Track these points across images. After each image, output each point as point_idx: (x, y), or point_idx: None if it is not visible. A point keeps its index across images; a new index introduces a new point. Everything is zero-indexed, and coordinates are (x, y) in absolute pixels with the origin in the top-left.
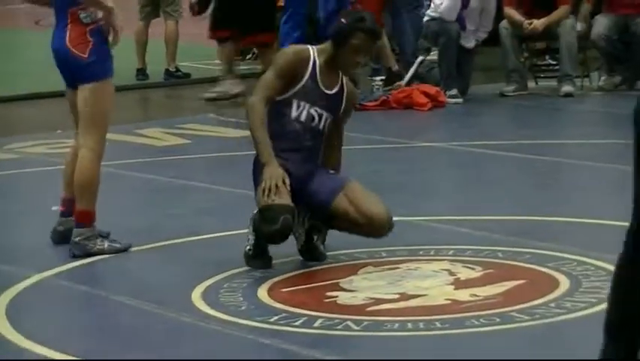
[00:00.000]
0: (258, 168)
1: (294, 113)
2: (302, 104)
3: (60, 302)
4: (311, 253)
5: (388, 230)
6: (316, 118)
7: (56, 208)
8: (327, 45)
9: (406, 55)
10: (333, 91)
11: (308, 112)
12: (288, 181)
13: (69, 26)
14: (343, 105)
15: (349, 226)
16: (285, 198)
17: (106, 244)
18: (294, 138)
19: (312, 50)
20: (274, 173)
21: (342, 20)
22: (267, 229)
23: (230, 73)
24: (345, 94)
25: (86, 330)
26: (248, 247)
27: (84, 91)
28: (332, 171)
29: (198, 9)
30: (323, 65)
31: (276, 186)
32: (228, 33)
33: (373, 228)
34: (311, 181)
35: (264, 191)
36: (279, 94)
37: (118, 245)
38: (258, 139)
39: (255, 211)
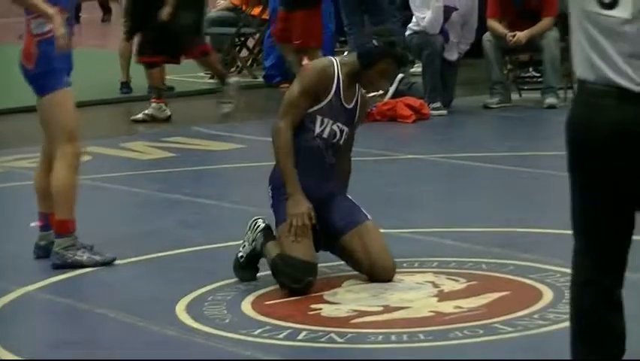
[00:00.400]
0: (277, 184)
1: (317, 130)
2: (325, 120)
3: (43, 316)
4: (244, 270)
5: (389, 278)
6: (338, 134)
7: (35, 224)
8: (351, 59)
9: None
10: (352, 105)
11: (331, 128)
12: (313, 215)
13: (25, 36)
14: (357, 115)
15: (350, 263)
16: (308, 249)
17: (85, 256)
18: (317, 155)
19: (336, 65)
20: (300, 210)
21: (374, 42)
22: (288, 284)
23: (160, 97)
24: (359, 105)
25: (70, 343)
26: (240, 254)
27: (40, 104)
28: (349, 197)
29: (128, 36)
30: (345, 79)
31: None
32: (158, 59)
33: (374, 276)
34: (330, 205)
35: (290, 229)
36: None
37: (98, 258)
38: (285, 169)
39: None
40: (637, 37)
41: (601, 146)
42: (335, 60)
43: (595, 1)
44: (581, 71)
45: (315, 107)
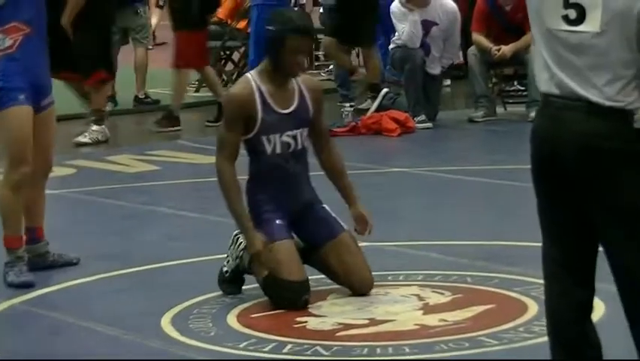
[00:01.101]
0: (252, 196)
1: (268, 149)
2: (271, 137)
3: (28, 329)
4: (229, 284)
5: (367, 294)
6: (292, 143)
7: None
8: (264, 63)
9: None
10: (294, 105)
11: (281, 142)
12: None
13: None
14: (311, 107)
15: (329, 276)
16: (298, 267)
17: (11, 277)
18: (281, 173)
19: (253, 82)
20: (254, 249)
21: (271, 27)
22: (285, 305)
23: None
24: (307, 97)
25: (55, 357)
26: (225, 269)
27: None
28: (324, 206)
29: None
30: (270, 87)
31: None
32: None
33: (352, 289)
34: (306, 218)
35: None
36: (244, 135)
37: (25, 278)
38: (232, 208)
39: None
40: (607, 50)
41: (566, 159)
42: (250, 76)
43: (561, 20)
44: (546, 86)
45: (253, 132)
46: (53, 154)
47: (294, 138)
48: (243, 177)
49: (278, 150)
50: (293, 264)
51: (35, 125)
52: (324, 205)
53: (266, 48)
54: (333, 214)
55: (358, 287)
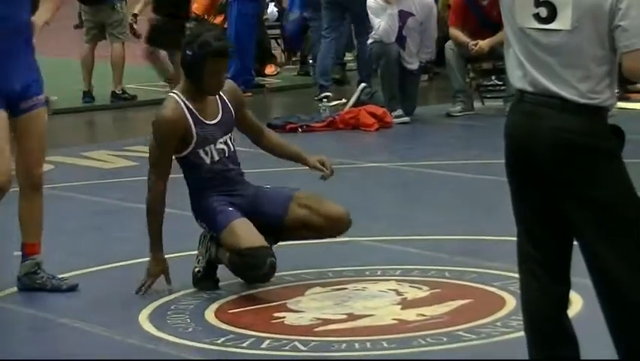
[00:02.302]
0: (203, 203)
1: (207, 160)
2: (207, 148)
3: (6, 326)
4: (203, 282)
5: (348, 226)
6: (225, 148)
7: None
8: (186, 82)
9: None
10: (220, 113)
11: (216, 149)
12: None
13: None
14: (232, 109)
15: (306, 233)
16: (255, 235)
17: None
18: (222, 177)
19: (180, 101)
20: (155, 270)
21: (188, 52)
22: (254, 274)
23: None
24: (227, 101)
25: (33, 353)
26: (197, 269)
27: None
28: (268, 186)
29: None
30: (196, 103)
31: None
32: None
33: (333, 227)
34: (258, 201)
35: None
36: (177, 153)
37: None
38: (149, 227)
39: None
40: (579, 47)
41: (540, 156)
42: (175, 96)
43: (532, 18)
44: (519, 83)
45: (190, 148)
46: (39, 163)
47: (226, 143)
48: None
49: (216, 158)
50: (250, 233)
51: (16, 130)
52: (267, 185)
53: (185, 70)
54: (277, 186)
55: (339, 224)
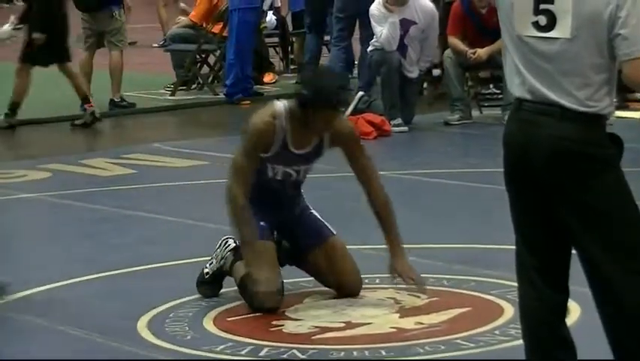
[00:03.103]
0: None
1: (269, 174)
2: (275, 166)
3: (3, 333)
4: (208, 286)
5: (356, 294)
6: (293, 174)
7: None
8: (297, 105)
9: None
10: (309, 148)
11: (284, 171)
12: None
13: None
14: (325, 149)
15: (318, 279)
16: (274, 272)
17: None
18: (273, 194)
19: (283, 116)
20: (259, 280)
21: (304, 92)
22: (257, 305)
23: None
24: (325, 141)
25: (31, 360)
26: (207, 271)
27: None
28: (313, 211)
29: None
30: (294, 128)
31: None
32: None
33: (342, 291)
34: (296, 222)
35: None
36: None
37: None
38: (241, 238)
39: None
40: (578, 55)
41: (538, 164)
42: (283, 109)
43: (531, 26)
44: (518, 91)
45: (262, 156)
46: None
47: (297, 171)
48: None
49: (278, 177)
50: (268, 266)
51: None
52: (313, 210)
53: (297, 102)
54: (322, 219)
55: (348, 289)
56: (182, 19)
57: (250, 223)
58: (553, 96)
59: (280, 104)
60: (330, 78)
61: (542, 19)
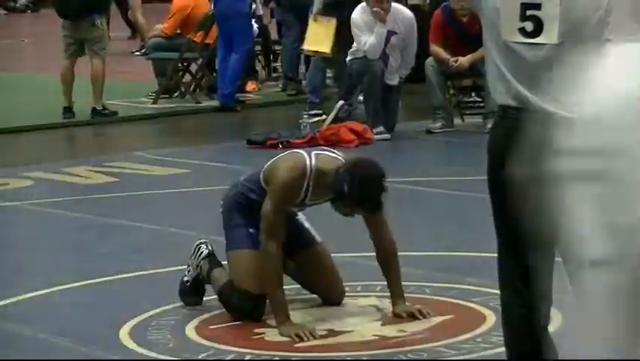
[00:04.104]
0: (227, 207)
1: None
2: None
3: None
4: (190, 295)
5: (339, 303)
6: (296, 210)
7: None
8: (330, 172)
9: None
10: (321, 200)
11: (290, 211)
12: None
13: None
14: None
15: (300, 283)
16: (258, 280)
17: None
18: None
19: (307, 175)
20: (297, 329)
21: (349, 185)
22: (237, 315)
23: None
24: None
25: None
26: (186, 279)
27: None
28: (308, 226)
29: None
30: (316, 189)
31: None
32: None
33: (324, 300)
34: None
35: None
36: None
37: None
38: (273, 296)
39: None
40: (565, 61)
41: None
42: (309, 166)
43: (518, 33)
44: (502, 98)
45: None
46: None
47: (301, 210)
48: (207, 188)
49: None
50: (253, 275)
51: None
52: (300, 217)
53: (335, 192)
54: (307, 224)
55: (330, 298)
56: (158, 27)
57: (281, 282)
58: (539, 102)
59: (308, 161)
60: (376, 174)
61: (529, 25)
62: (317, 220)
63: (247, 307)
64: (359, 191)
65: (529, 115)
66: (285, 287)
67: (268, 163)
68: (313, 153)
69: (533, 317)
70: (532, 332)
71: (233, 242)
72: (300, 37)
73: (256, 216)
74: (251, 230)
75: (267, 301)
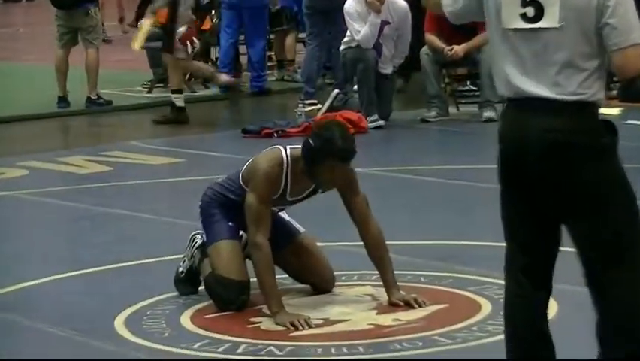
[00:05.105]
0: (204, 205)
1: None
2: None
3: None
4: (184, 284)
5: (329, 290)
6: (276, 210)
7: None
8: (301, 155)
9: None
10: (302, 196)
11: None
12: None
13: None
14: (317, 193)
15: (290, 275)
16: (240, 267)
17: None
18: None
19: (285, 164)
20: (292, 317)
21: (311, 141)
22: (222, 305)
23: None
24: (320, 188)
25: (7, 358)
26: (181, 270)
27: None
28: (288, 219)
29: None
30: (296, 177)
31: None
32: None
33: (314, 287)
34: None
35: (295, 327)
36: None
37: None
38: (264, 285)
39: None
40: (566, 45)
41: (533, 159)
42: (285, 156)
43: (519, 18)
44: (506, 89)
45: None
46: None
47: (282, 209)
48: (202, 178)
49: None
50: (233, 263)
51: None
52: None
53: (304, 156)
54: (287, 217)
55: (321, 286)
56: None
57: (273, 272)
58: (540, 90)
59: (283, 153)
60: (336, 127)
61: (530, 11)
62: (312, 211)
63: (230, 296)
64: (325, 139)
65: (532, 102)
66: (280, 276)
67: (246, 164)
68: (288, 146)
69: (532, 306)
70: (532, 322)
71: (213, 236)
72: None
73: (235, 213)
74: (230, 223)
75: (250, 290)
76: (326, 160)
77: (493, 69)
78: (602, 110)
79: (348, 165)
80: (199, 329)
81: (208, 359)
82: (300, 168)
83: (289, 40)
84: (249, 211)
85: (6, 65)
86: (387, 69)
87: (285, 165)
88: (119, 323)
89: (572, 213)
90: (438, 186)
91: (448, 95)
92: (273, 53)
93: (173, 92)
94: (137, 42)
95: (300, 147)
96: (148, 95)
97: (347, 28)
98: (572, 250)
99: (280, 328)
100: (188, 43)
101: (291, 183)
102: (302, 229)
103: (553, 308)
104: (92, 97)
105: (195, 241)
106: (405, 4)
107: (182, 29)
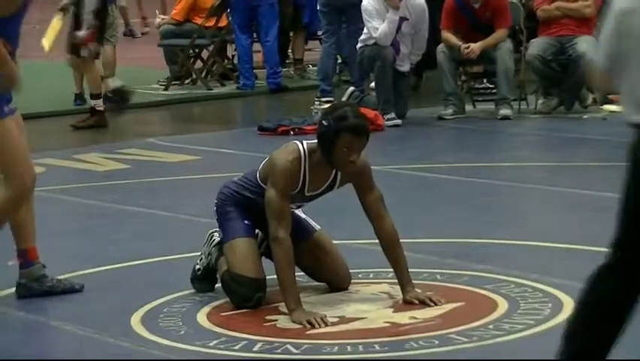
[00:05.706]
0: (220, 203)
1: None
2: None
3: None
4: (201, 282)
5: (346, 288)
6: (294, 207)
7: (12, 263)
8: (317, 146)
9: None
10: (321, 189)
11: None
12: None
13: None
14: (337, 187)
15: (305, 272)
16: (256, 265)
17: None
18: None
19: (302, 157)
20: (309, 315)
21: (324, 122)
22: (238, 302)
23: None
24: (338, 181)
25: (25, 356)
26: (198, 267)
27: None
28: (304, 217)
29: None
30: (314, 170)
31: (321, 319)
32: None
33: (330, 287)
34: None
35: (311, 325)
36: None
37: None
38: (284, 282)
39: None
40: None
41: None
42: (302, 150)
43: None
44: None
45: None
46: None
47: (299, 206)
48: (219, 175)
49: None
50: (249, 261)
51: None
52: (293, 209)
53: (319, 140)
54: (303, 215)
55: (337, 284)
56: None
57: (293, 269)
58: None
59: (300, 146)
60: (345, 105)
61: None
62: (325, 209)
63: (246, 293)
64: (337, 116)
65: None
66: (296, 274)
67: (263, 162)
68: (304, 141)
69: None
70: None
71: (229, 234)
72: None
73: (251, 212)
74: (246, 221)
75: (266, 287)
76: (341, 136)
77: (625, 92)
78: (613, 108)
79: (364, 140)
80: (215, 326)
81: (224, 357)
82: (317, 158)
83: (299, 39)
84: (270, 206)
85: (22, 62)
86: (404, 67)
87: (303, 159)
88: (135, 321)
89: None
90: (454, 183)
91: (465, 92)
92: (290, 51)
93: (92, 96)
94: (47, 41)
95: (316, 139)
96: (164, 92)
97: (363, 26)
98: (592, 248)
99: (296, 326)
100: (88, 45)
101: (309, 176)
102: (317, 227)
103: (569, 306)
104: (109, 94)
105: (213, 238)
106: (422, 0)
107: (82, 33)
